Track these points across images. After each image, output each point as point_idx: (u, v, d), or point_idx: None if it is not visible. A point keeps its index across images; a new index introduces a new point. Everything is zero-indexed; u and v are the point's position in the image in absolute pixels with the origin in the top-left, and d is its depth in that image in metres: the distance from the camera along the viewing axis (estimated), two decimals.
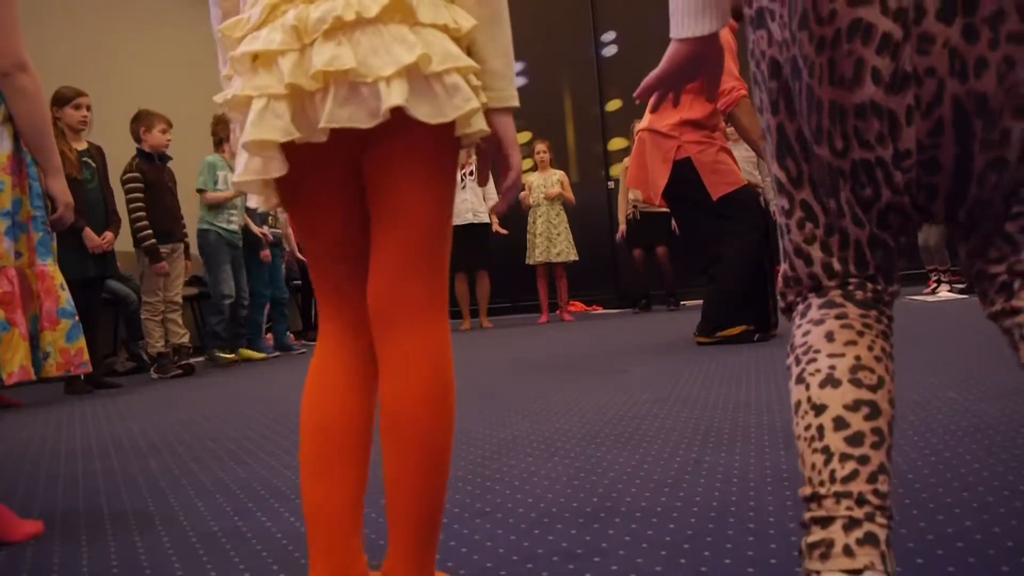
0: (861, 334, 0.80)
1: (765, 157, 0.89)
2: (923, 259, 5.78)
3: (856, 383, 0.77)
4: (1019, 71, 0.68)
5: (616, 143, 8.09)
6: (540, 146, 6.63)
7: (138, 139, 4.66)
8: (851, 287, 0.83)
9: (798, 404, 0.80)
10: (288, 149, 0.81)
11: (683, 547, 1.09)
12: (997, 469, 1.31)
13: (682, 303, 6.98)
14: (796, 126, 0.82)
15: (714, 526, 1.16)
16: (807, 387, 0.79)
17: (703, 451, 1.62)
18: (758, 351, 3.29)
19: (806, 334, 0.82)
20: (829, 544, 0.71)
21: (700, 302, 3.93)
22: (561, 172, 6.68)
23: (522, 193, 6.62)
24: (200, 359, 5.33)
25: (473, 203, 6.38)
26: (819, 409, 0.77)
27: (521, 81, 8.67)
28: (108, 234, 4.29)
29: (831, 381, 0.78)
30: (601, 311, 7.81)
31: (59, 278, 1.54)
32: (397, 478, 0.86)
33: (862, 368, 0.78)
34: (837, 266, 0.82)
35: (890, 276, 0.84)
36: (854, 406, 0.76)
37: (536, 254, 6.45)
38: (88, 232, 4.16)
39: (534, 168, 6.72)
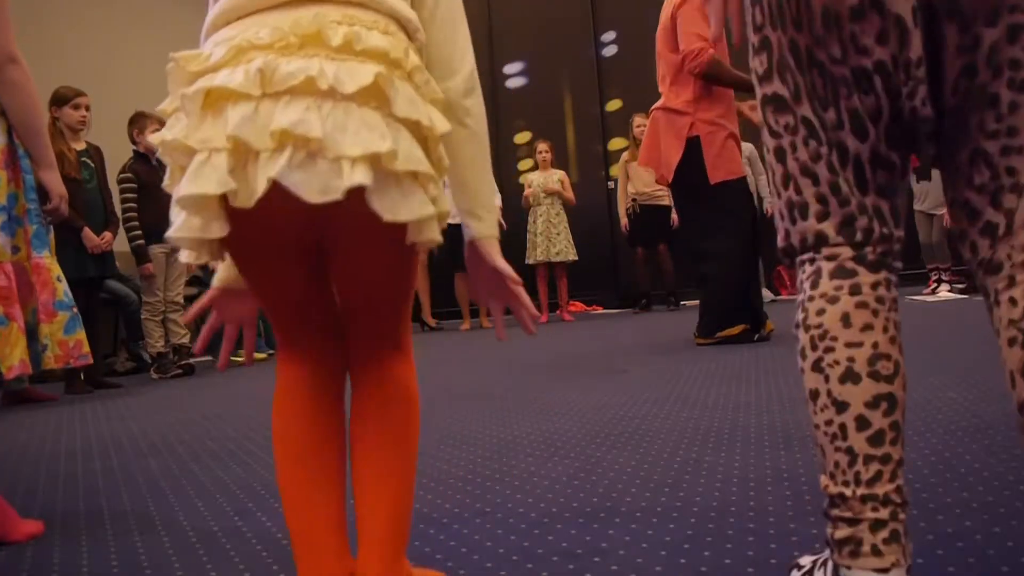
0: (876, 313, 0.81)
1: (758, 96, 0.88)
2: (924, 258, 5.78)
3: (875, 376, 0.79)
4: None
5: (616, 143, 8.08)
6: (541, 146, 6.64)
7: (133, 141, 4.68)
8: (859, 239, 0.82)
9: (815, 394, 0.82)
10: (232, 210, 0.76)
11: (683, 547, 1.09)
12: (997, 469, 1.31)
13: (682, 303, 6.98)
14: (790, 38, 0.81)
15: (714, 526, 1.16)
16: (827, 379, 0.81)
17: (703, 451, 1.62)
18: (758, 351, 3.29)
19: (820, 312, 0.82)
20: (858, 543, 0.77)
21: (699, 302, 3.92)
22: (562, 172, 6.69)
23: (524, 192, 6.62)
24: (202, 359, 5.33)
25: None
26: (841, 406, 0.79)
27: (521, 81, 8.68)
28: (107, 234, 4.29)
29: (851, 376, 0.79)
30: (601, 311, 7.81)
31: (56, 270, 1.54)
32: (372, 503, 0.91)
33: (880, 357, 0.79)
34: (844, 188, 0.81)
35: (895, 211, 0.84)
36: (874, 402, 0.78)
37: (536, 253, 6.45)
38: (87, 232, 4.16)
39: (535, 167, 6.72)
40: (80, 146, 4.28)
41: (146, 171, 4.62)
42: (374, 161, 0.73)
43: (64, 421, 3.06)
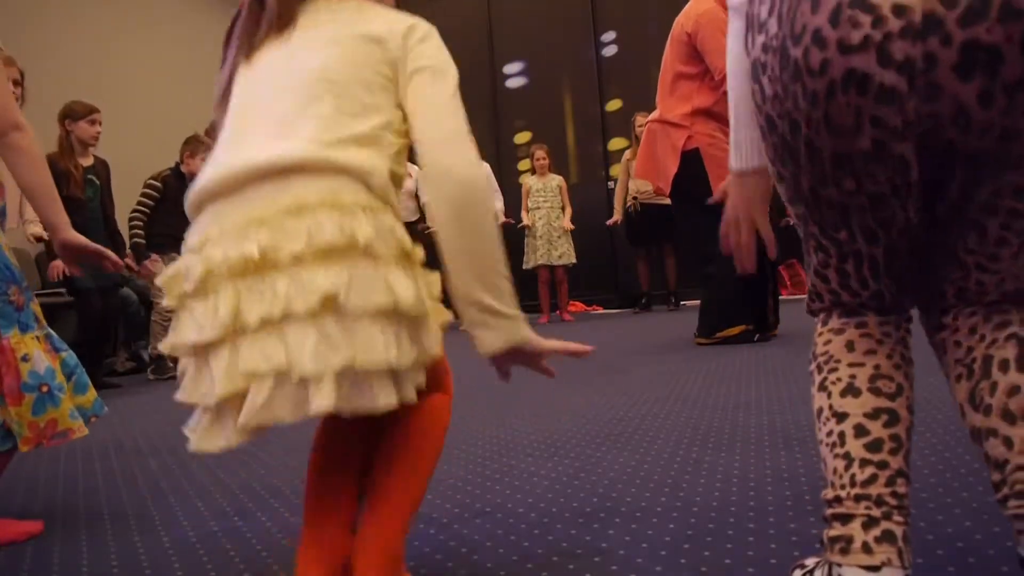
0: (881, 342, 0.84)
1: None
2: None
3: (875, 392, 0.81)
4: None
5: (616, 143, 8.08)
6: (539, 152, 6.63)
7: (181, 159, 4.66)
8: (870, 298, 0.86)
9: (820, 411, 0.85)
10: None
11: (683, 547, 1.09)
12: None
13: (682, 303, 6.97)
14: (798, 173, 0.81)
15: (714, 526, 1.16)
16: (829, 395, 0.83)
17: (703, 451, 1.62)
18: (758, 351, 3.28)
19: (827, 343, 0.87)
20: (848, 540, 0.76)
21: (700, 302, 3.92)
22: (560, 177, 6.66)
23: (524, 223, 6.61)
24: None
25: None
26: (840, 416, 0.81)
27: (521, 81, 8.67)
28: (120, 262, 4.32)
29: (851, 390, 0.82)
30: (601, 311, 7.81)
31: (21, 350, 1.45)
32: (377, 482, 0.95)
33: (881, 377, 0.82)
34: (855, 284, 0.85)
35: (908, 286, 0.86)
36: (874, 414, 0.80)
37: (536, 256, 6.42)
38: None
39: (532, 172, 6.72)
40: (88, 161, 4.25)
41: (178, 188, 4.62)
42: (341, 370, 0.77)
43: None
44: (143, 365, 5.12)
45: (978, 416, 0.78)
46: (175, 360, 4.19)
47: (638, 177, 4.13)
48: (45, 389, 1.45)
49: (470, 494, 1.46)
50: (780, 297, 6.89)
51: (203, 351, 0.82)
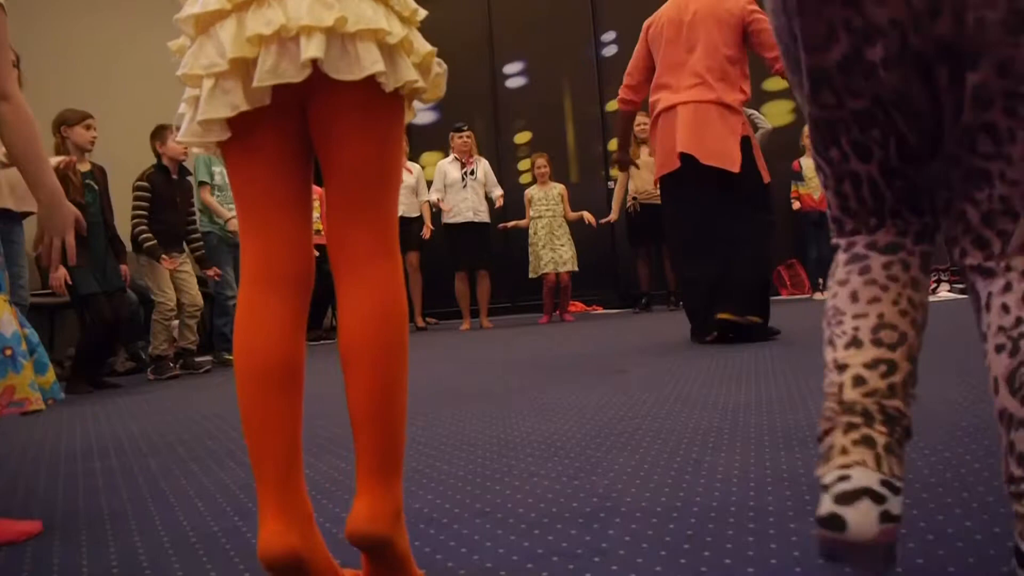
0: (885, 288, 0.84)
1: None
2: None
3: (877, 343, 0.82)
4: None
5: (616, 143, 8.07)
6: (540, 160, 6.63)
7: (157, 154, 4.72)
8: (873, 228, 0.87)
9: (825, 364, 0.86)
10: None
11: (683, 547, 1.09)
12: (997, 469, 1.30)
13: (682, 303, 6.97)
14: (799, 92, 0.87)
15: (714, 526, 1.16)
16: (834, 348, 0.85)
17: (703, 451, 1.62)
18: (758, 351, 3.28)
19: (834, 296, 0.88)
20: (829, 447, 0.78)
21: (733, 278, 3.81)
22: (561, 186, 6.66)
23: (522, 221, 6.61)
24: (205, 358, 5.33)
25: (474, 202, 6.38)
26: (841, 368, 0.82)
27: (521, 81, 8.67)
28: (124, 268, 4.48)
29: (855, 342, 0.83)
30: (601, 311, 7.80)
31: None
32: (355, 409, 0.94)
33: (884, 327, 0.82)
34: (854, 204, 0.87)
35: (918, 208, 0.87)
36: (872, 364, 0.81)
37: (541, 264, 6.41)
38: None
39: (533, 181, 6.71)
40: (85, 167, 4.28)
41: (163, 183, 4.69)
42: (330, 31, 0.86)
43: (64, 421, 3.06)
44: (143, 365, 5.12)
45: (1014, 402, 0.75)
46: (175, 361, 4.19)
47: (686, 149, 3.72)
48: (8, 352, 1.42)
49: (470, 494, 1.46)
50: (779, 297, 6.92)
51: (207, 22, 0.90)
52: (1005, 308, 0.75)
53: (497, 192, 6.46)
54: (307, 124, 0.96)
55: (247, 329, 0.95)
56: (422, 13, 0.98)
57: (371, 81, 0.90)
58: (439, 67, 1.00)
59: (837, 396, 0.82)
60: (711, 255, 3.69)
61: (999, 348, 0.75)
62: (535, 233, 6.47)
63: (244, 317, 0.96)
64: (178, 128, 1.01)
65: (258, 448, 0.92)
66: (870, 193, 0.85)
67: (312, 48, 0.86)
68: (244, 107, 0.88)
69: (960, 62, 0.73)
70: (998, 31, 0.70)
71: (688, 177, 3.74)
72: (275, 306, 0.95)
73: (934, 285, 5.74)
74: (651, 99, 4.01)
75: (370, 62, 0.88)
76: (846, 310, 0.85)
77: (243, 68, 0.88)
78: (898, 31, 0.73)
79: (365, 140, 0.95)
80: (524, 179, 7.95)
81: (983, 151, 0.76)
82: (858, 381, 0.80)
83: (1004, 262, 0.77)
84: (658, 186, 4.18)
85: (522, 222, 6.59)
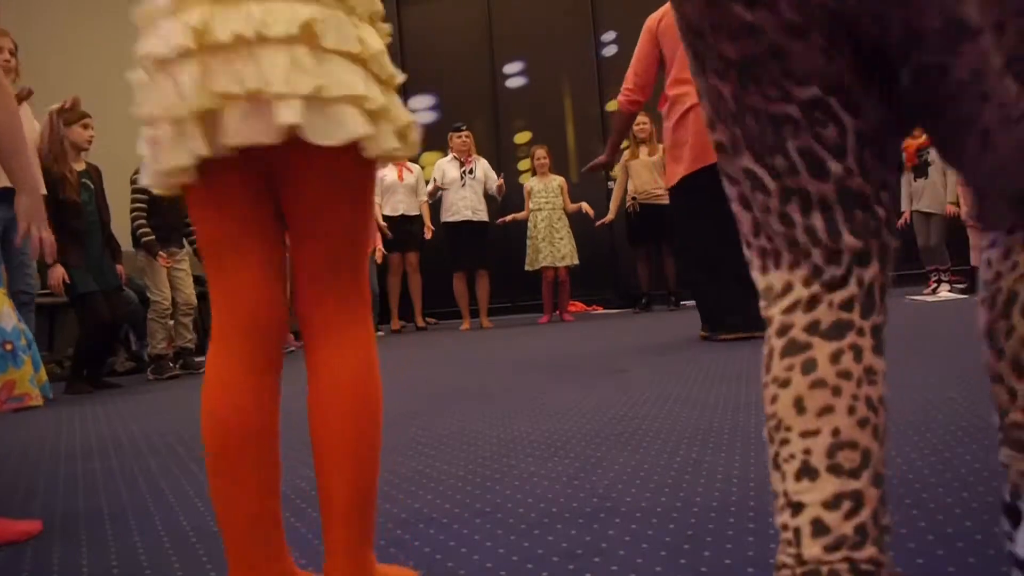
0: (837, 392, 0.67)
1: None
2: (923, 259, 5.77)
3: (835, 470, 0.65)
4: None
5: (609, 144, 8.07)
6: (539, 152, 6.61)
7: None
8: (822, 284, 0.69)
9: (775, 495, 0.69)
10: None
11: (683, 547, 1.09)
12: (997, 469, 1.30)
13: (682, 303, 6.97)
14: (713, 85, 0.69)
15: (714, 526, 1.16)
16: (783, 476, 0.68)
17: (703, 451, 1.62)
18: (758, 351, 3.28)
19: (773, 401, 0.70)
20: None
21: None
22: (560, 178, 6.65)
23: (521, 214, 6.60)
24: (201, 357, 5.34)
25: (472, 201, 6.37)
26: (795, 508, 0.66)
27: (521, 81, 8.66)
28: (120, 267, 4.46)
29: (807, 471, 0.66)
30: (601, 311, 7.80)
31: None
32: (323, 479, 0.90)
33: (841, 446, 0.66)
34: (802, 237, 0.68)
35: (880, 248, 0.69)
36: (834, 502, 0.65)
37: (540, 258, 6.40)
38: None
39: (533, 173, 6.71)
40: (80, 166, 4.27)
41: None
42: (308, 95, 0.81)
43: (64, 421, 3.06)
44: (143, 365, 5.12)
45: (991, 355, 0.73)
46: (175, 361, 4.20)
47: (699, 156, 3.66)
48: (9, 347, 1.42)
49: (470, 494, 1.46)
50: None
51: (168, 64, 0.84)
52: (987, 263, 0.74)
53: (497, 181, 6.42)
54: (274, 178, 0.90)
55: (213, 397, 0.90)
56: (400, 77, 0.93)
57: (351, 145, 0.85)
58: (415, 131, 0.95)
59: (795, 550, 0.65)
60: (732, 260, 3.66)
61: (983, 302, 0.74)
62: (535, 226, 6.45)
63: (212, 380, 0.91)
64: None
65: (223, 519, 0.90)
66: (824, 223, 0.68)
67: (289, 114, 0.80)
68: (205, 153, 0.82)
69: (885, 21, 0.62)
70: None
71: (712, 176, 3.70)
72: (244, 370, 0.91)
73: (934, 285, 5.73)
74: (672, 93, 3.89)
75: (355, 126, 0.84)
76: (792, 424, 0.67)
77: (207, 114, 0.83)
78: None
79: (339, 205, 0.91)
80: (524, 179, 7.94)
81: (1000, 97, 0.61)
82: (819, 530, 0.64)
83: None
84: (677, 183, 3.96)
85: (521, 214, 6.58)
